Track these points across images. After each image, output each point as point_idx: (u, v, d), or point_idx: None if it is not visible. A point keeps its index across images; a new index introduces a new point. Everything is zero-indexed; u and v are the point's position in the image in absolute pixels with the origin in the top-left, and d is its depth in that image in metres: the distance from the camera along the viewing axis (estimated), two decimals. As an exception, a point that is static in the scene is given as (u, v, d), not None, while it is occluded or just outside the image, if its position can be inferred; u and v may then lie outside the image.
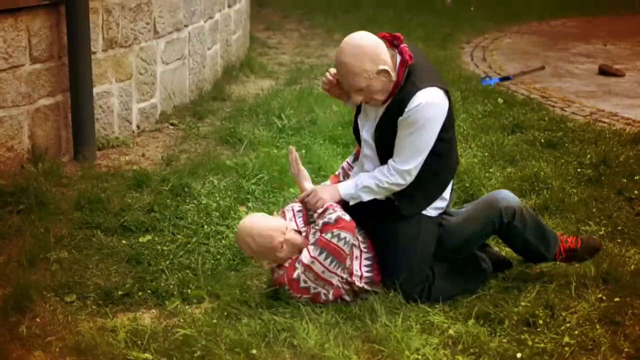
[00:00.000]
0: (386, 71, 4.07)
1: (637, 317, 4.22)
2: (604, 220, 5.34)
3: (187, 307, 4.31)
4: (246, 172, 5.96)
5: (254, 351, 3.89)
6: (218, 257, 4.81)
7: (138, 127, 6.94)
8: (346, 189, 4.33)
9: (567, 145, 6.86)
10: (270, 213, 5.30)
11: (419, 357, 3.91)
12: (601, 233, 5.15)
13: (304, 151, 6.45)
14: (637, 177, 6.03)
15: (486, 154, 6.55)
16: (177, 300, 4.36)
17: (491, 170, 6.23)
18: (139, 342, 3.94)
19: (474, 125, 7.32)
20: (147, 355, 3.85)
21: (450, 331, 4.07)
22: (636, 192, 5.79)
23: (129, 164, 6.22)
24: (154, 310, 4.29)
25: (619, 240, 5.09)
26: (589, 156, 6.49)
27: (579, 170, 6.25)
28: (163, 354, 3.86)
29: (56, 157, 6.06)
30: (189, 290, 4.43)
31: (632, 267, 4.68)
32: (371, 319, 4.15)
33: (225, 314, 4.20)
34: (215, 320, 4.12)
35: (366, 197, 4.29)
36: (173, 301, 4.35)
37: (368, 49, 4.07)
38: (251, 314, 4.21)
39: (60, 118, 6.14)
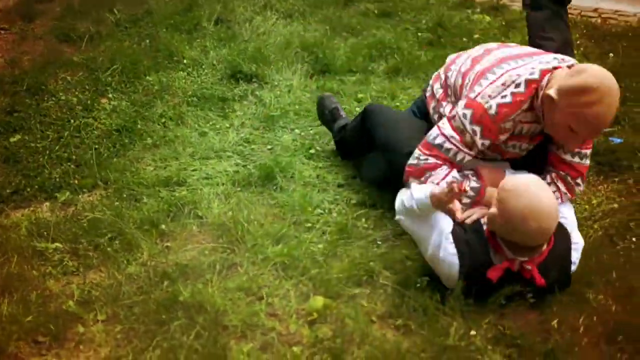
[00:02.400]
0: None
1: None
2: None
3: (79, 196, 4.29)
4: (97, 66, 5.86)
5: (163, 226, 3.97)
6: (96, 147, 4.77)
7: (-32, 33, 6.65)
8: None
9: (400, 13, 7.11)
10: (133, 102, 5.31)
11: (322, 210, 4.12)
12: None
13: (148, 41, 6.38)
14: (476, 36, 6.38)
15: (327, 27, 6.70)
16: (66, 191, 4.33)
17: (336, 41, 6.40)
18: (45, 233, 3.92)
19: (307, 2, 7.42)
20: (57, 244, 3.85)
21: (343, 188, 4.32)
22: (475, 47, 6.14)
23: (-30, 71, 5.98)
24: (47, 204, 4.25)
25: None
26: (424, 21, 6.79)
27: (418, 34, 6.54)
28: (73, 241, 3.87)
29: None
30: (76, 181, 4.41)
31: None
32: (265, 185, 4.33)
33: (124, 196, 4.23)
34: (117, 203, 4.15)
35: None
36: (63, 192, 4.32)
37: None
38: (149, 193, 4.26)
39: None
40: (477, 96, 3.46)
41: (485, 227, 3.36)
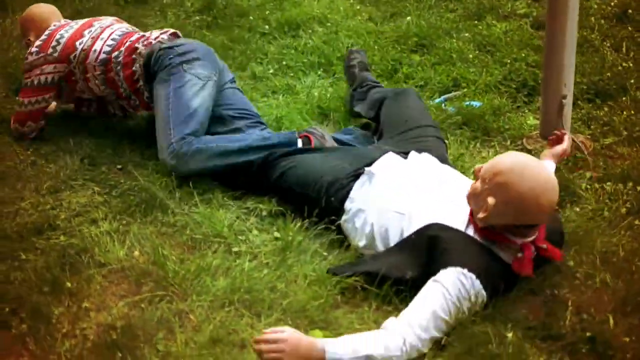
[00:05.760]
0: None
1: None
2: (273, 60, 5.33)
3: None
4: None
5: (68, 284, 3.26)
6: None
7: None
8: None
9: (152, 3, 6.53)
10: None
11: (238, 230, 3.62)
12: (271, 72, 5.14)
13: None
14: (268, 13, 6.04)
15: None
16: None
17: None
18: None
19: None
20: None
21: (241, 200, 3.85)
22: (267, 26, 5.80)
23: None
24: None
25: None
26: (189, 4, 6.30)
27: (194, 19, 6.06)
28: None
29: None
30: None
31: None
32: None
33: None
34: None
35: None
36: None
37: None
38: (25, 247, 3.51)
39: None
40: None
41: (471, 231, 3.09)
